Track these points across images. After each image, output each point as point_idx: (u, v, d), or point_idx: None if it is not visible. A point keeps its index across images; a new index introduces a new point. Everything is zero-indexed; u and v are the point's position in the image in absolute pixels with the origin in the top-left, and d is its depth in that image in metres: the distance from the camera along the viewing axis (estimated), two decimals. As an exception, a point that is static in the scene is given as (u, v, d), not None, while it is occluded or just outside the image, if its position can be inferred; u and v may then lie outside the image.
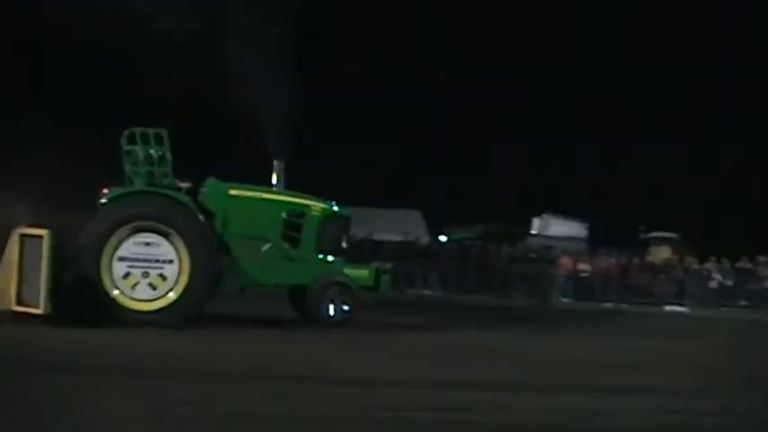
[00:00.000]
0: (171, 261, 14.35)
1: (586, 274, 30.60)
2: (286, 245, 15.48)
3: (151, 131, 14.98)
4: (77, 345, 11.72)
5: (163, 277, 14.34)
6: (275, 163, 15.96)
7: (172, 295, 14.30)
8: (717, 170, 39.87)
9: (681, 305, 29.35)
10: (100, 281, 14.11)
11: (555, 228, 35.85)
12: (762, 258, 30.42)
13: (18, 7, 23.57)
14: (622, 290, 30.29)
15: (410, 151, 39.13)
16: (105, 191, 14.92)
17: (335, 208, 15.99)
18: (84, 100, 26.82)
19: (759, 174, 38.11)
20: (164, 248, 14.37)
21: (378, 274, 15.77)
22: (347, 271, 15.57)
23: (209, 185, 15.21)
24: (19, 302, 13.61)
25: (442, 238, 35.54)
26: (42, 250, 13.46)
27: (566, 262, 30.49)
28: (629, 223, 36.23)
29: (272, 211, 15.51)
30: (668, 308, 28.86)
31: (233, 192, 15.28)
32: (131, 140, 15.01)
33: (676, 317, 26.15)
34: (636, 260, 31.76)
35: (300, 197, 15.83)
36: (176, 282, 14.31)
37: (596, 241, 34.19)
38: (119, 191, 14.69)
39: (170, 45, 16.34)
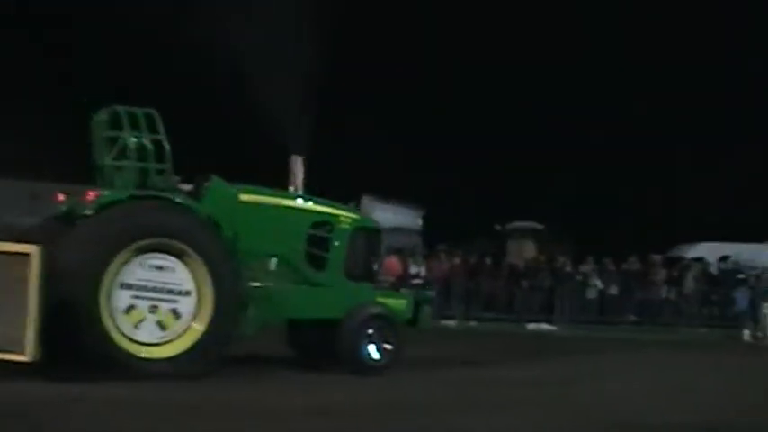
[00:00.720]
0: (188, 292, 11.16)
1: (419, 281, 23.38)
2: (309, 266, 12.48)
3: (139, 111, 11.54)
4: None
5: (176, 314, 11.13)
6: (293, 159, 12.99)
7: (186, 338, 11.12)
8: (596, 144, 33.35)
9: (548, 322, 23.94)
10: (98, 317, 10.65)
11: (378, 216, 30.43)
12: (655, 257, 25.74)
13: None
14: (469, 301, 24.56)
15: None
16: (61, 196, 11.68)
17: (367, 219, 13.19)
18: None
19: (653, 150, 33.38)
20: (180, 275, 11.13)
21: (417, 304, 13.00)
22: (382, 300, 12.68)
23: (214, 188, 11.89)
24: None
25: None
26: (25, 273, 9.98)
27: (391, 264, 22.16)
28: (479, 212, 30.45)
29: (294, 222, 12.45)
30: (531, 326, 23.50)
31: (244, 197, 12.11)
32: (115, 124, 11.50)
33: (540, 338, 21.10)
34: (488, 261, 25.69)
35: (326, 204, 12.83)
36: (193, 321, 11.16)
37: (435, 235, 26.46)
38: (111, 196, 11.12)
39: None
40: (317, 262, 12.51)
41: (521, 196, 32.10)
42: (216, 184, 11.92)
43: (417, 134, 31.25)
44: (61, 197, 11.75)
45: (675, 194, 32.07)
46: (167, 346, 11.05)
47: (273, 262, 12.17)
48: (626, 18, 32.56)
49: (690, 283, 25.55)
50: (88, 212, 10.98)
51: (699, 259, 26.44)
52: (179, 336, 11.09)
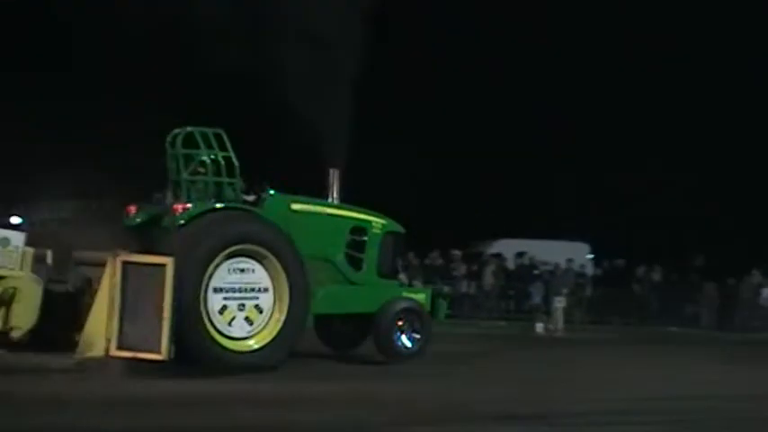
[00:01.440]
0: (266, 289, 12.71)
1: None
2: (349, 267, 14.11)
3: (209, 131, 13.01)
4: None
5: (259, 309, 12.68)
6: (331, 172, 14.38)
7: (269, 329, 12.68)
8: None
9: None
10: (201, 318, 12.03)
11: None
12: (456, 253, 26.64)
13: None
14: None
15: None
16: (132, 208, 13.05)
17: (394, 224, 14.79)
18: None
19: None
20: (258, 275, 12.66)
21: (434, 298, 14.74)
22: (407, 294, 14.50)
23: (271, 199, 13.39)
24: (121, 347, 11.37)
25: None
26: (161, 282, 11.27)
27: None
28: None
29: (337, 228, 14.05)
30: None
31: (295, 206, 13.63)
32: (189, 143, 12.97)
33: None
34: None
35: (361, 212, 14.43)
36: (273, 313, 12.71)
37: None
38: (200, 207, 12.52)
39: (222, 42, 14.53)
40: (355, 262, 14.20)
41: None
42: (271, 194, 13.47)
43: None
44: (132, 209, 13.07)
45: (476, 192, 32.50)
46: (255, 338, 12.56)
47: (323, 264, 13.73)
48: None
49: (488, 278, 26.43)
50: (181, 222, 12.36)
51: (497, 255, 27.25)
52: (264, 327, 12.64)
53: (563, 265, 26.18)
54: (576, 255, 27.56)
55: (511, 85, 31.55)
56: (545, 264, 26.66)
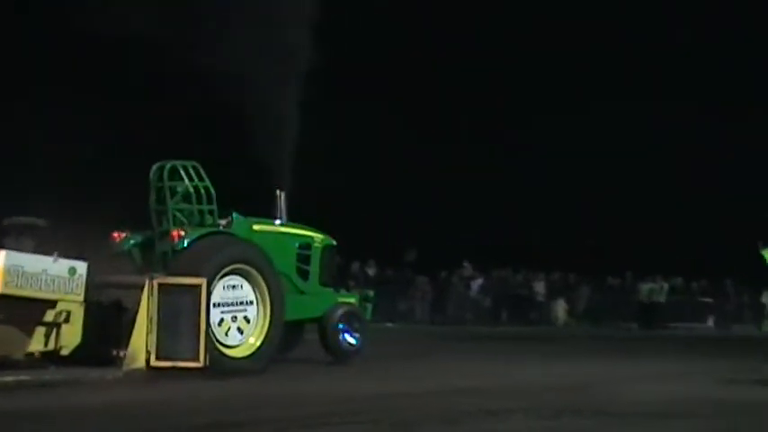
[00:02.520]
0: (252, 302, 14.97)
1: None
2: (299, 278, 16.45)
3: (189, 163, 14.99)
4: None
5: (247, 320, 14.91)
6: (278, 193, 16.57)
7: (255, 338, 14.96)
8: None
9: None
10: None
11: None
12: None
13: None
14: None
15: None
16: (116, 235, 15.01)
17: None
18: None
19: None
20: (245, 290, 14.92)
21: (361, 301, 17.23)
22: (343, 300, 16.94)
23: (237, 221, 15.56)
24: (160, 357, 13.40)
25: None
26: (196, 300, 13.60)
27: None
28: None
29: (289, 244, 16.37)
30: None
31: (256, 227, 15.84)
32: (173, 175, 14.90)
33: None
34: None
35: (305, 228, 16.75)
36: (258, 323, 14.98)
37: None
38: (196, 233, 14.62)
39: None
40: (303, 274, 16.48)
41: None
42: (237, 217, 15.59)
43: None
44: (118, 235, 14.96)
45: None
46: (245, 345, 14.77)
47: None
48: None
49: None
50: (182, 247, 14.40)
51: None
52: (252, 335, 14.87)
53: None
54: None
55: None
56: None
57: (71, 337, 13.25)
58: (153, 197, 14.94)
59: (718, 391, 13.73)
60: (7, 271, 12.67)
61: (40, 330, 13.10)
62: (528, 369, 17.05)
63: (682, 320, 36.40)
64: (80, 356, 13.25)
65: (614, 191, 38.55)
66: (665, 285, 35.81)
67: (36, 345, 13.07)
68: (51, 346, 13.12)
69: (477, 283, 33.24)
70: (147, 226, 15.09)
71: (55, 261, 13.13)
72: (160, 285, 13.48)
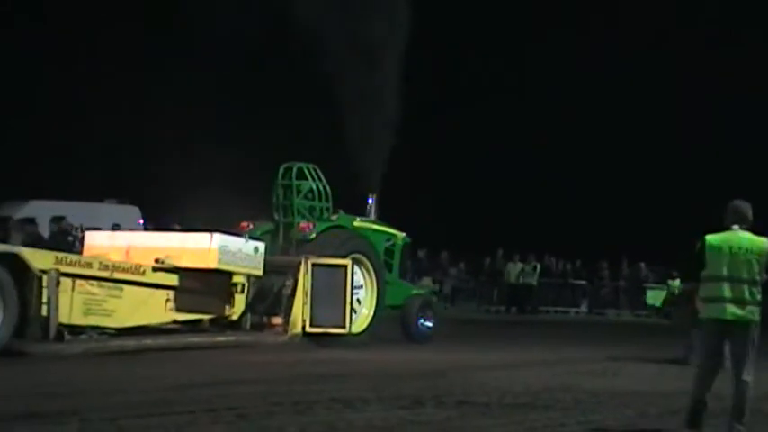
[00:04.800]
0: (362, 287, 18.75)
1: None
2: (385, 270, 19.58)
3: (311, 166, 18.92)
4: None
5: (359, 301, 18.60)
6: (370, 196, 20.74)
7: (365, 317, 18.73)
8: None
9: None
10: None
11: None
12: None
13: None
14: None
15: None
16: (245, 224, 18.61)
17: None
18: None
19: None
20: (358, 276, 18.50)
21: (431, 293, 22.00)
22: (416, 291, 20.78)
23: (342, 218, 19.18)
24: (312, 325, 17.24)
25: None
26: (342, 278, 17.46)
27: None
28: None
29: (380, 239, 19.93)
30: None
31: (356, 223, 19.55)
32: (300, 175, 18.76)
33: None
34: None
35: (389, 226, 20.45)
36: (367, 304, 18.81)
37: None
38: (322, 225, 18.51)
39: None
40: (388, 266, 19.92)
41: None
42: (341, 215, 19.22)
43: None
44: (246, 225, 18.64)
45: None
46: (357, 323, 18.25)
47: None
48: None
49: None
50: (312, 237, 18.29)
51: (29, 220, 24.06)
52: (362, 315, 18.58)
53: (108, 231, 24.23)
54: (124, 219, 27.11)
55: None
56: (86, 229, 24.36)
57: (240, 305, 16.99)
58: (280, 193, 18.84)
59: (580, 380, 14.12)
60: (219, 250, 16.00)
61: (224, 299, 16.82)
62: (386, 354, 17.39)
63: (553, 304, 37.28)
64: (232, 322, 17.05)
65: (488, 165, 39.78)
66: (537, 266, 36.22)
67: (221, 310, 16.81)
68: (229, 312, 16.90)
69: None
70: (263, 218, 19.00)
71: (246, 242, 16.64)
72: (313, 265, 17.28)
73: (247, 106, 33.37)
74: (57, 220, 24.22)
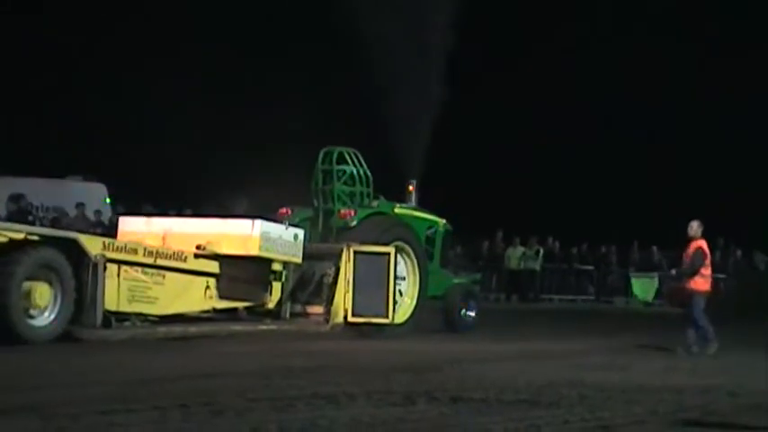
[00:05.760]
0: (404, 278, 19.18)
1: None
2: (426, 258, 19.99)
3: (351, 151, 19.39)
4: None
5: (400, 293, 19.00)
6: (408, 182, 21.19)
7: (407, 308, 19.26)
8: None
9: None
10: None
11: None
12: None
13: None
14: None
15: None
16: (284, 210, 19.16)
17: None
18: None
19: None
20: (401, 266, 18.93)
21: (472, 282, 22.28)
22: (457, 281, 21.21)
23: (382, 204, 19.66)
24: (355, 314, 17.75)
25: None
26: (385, 266, 17.91)
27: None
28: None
29: (421, 227, 20.36)
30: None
31: (397, 210, 20.04)
32: (342, 160, 19.23)
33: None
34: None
35: (430, 213, 20.87)
36: (409, 294, 19.35)
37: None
38: (364, 212, 19.06)
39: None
40: (429, 255, 20.24)
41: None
42: (383, 201, 19.71)
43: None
44: (285, 211, 19.22)
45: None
46: (399, 314, 18.58)
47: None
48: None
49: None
50: (353, 224, 18.84)
51: None
52: (403, 307, 19.04)
53: (72, 211, 25.77)
54: (89, 198, 27.11)
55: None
56: (47, 210, 26.13)
57: (277, 293, 17.54)
58: (319, 178, 19.29)
59: (586, 374, 14.11)
60: (261, 236, 16.58)
61: (263, 287, 17.45)
62: (375, 345, 17.42)
63: (557, 291, 37.14)
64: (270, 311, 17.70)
65: (485, 141, 39.75)
66: (540, 250, 35.99)
67: (260, 299, 17.47)
68: (267, 300, 17.55)
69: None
70: (302, 203, 19.51)
71: (286, 228, 17.30)
72: (355, 253, 17.73)
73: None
74: (15, 198, 24.20)
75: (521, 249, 35.74)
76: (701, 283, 17.96)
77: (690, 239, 18.00)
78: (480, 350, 17.54)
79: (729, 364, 16.28)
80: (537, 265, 35.90)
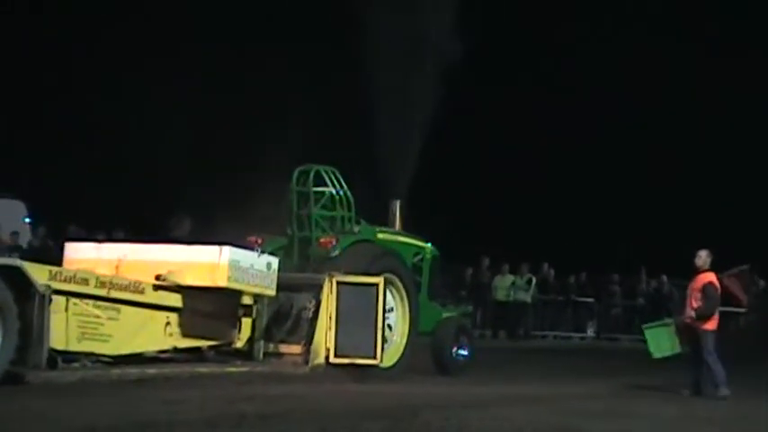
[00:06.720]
0: (392, 309, 18.40)
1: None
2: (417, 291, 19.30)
3: (330, 170, 18.54)
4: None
5: (390, 327, 18.24)
6: (393, 202, 20.40)
7: (397, 346, 18.51)
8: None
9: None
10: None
11: None
12: None
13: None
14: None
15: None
16: (253, 239, 17.96)
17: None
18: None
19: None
20: (389, 297, 18.06)
21: (462, 315, 21.27)
22: (447, 314, 20.29)
23: (364, 229, 18.89)
24: (338, 354, 16.96)
25: None
26: (372, 299, 17.03)
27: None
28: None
29: (409, 254, 19.72)
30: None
31: (380, 235, 19.32)
32: (319, 180, 18.44)
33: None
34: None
35: (416, 238, 20.20)
36: (399, 330, 18.54)
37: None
38: (347, 240, 18.26)
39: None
40: (416, 286, 19.28)
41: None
42: (365, 225, 18.90)
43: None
44: (253, 239, 17.94)
45: None
46: (388, 354, 17.89)
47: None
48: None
49: None
50: (335, 254, 17.96)
51: None
52: (394, 345, 18.42)
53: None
54: (6, 216, 27.01)
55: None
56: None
57: (246, 329, 16.83)
58: (294, 201, 18.50)
59: (581, 421, 13.85)
60: (230, 265, 15.82)
61: (231, 323, 16.76)
62: (344, 386, 16.78)
63: (552, 327, 36.26)
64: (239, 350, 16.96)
65: (472, 157, 39.68)
66: (532, 280, 34.85)
67: (227, 336, 16.75)
68: (235, 338, 16.81)
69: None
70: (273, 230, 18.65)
71: (259, 256, 16.49)
72: (339, 283, 17.00)
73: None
74: None
75: (510, 278, 34.66)
76: (711, 321, 17.83)
77: (697, 270, 17.94)
78: (463, 393, 16.94)
79: (748, 410, 16.26)
80: (528, 297, 34.79)
